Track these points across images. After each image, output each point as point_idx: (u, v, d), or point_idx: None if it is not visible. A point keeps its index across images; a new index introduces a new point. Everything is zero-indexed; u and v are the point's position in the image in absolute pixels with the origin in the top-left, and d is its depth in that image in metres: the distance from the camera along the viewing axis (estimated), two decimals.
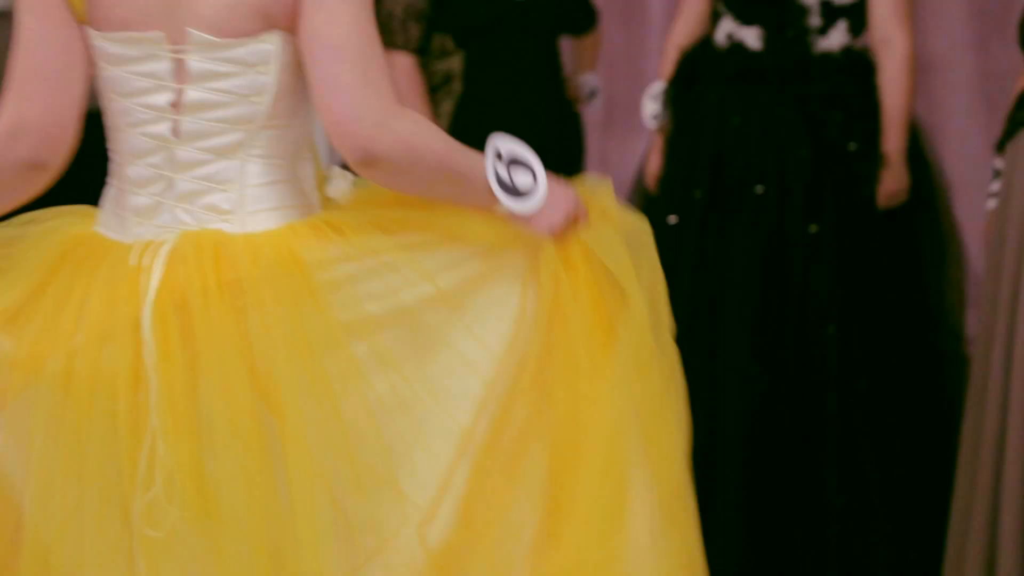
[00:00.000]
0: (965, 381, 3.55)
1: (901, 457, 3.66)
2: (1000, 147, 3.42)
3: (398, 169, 1.99)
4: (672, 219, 3.74)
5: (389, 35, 3.97)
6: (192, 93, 1.99)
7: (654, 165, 3.90)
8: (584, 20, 4.32)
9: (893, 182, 3.69)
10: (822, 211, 3.64)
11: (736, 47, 3.75)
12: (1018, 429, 3.16)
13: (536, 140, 4.00)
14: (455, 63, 4.02)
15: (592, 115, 5.03)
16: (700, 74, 3.81)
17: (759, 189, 3.66)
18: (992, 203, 3.46)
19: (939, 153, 4.00)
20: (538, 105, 4.09)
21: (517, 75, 4.04)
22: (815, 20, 3.70)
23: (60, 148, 2.03)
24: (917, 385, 3.71)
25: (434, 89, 4.01)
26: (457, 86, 4.01)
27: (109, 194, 2.08)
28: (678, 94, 3.83)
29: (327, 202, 2.10)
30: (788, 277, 3.65)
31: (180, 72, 1.99)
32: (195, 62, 1.98)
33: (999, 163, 3.44)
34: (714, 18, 3.83)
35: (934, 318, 3.79)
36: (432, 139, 2.02)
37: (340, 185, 2.12)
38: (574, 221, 2.09)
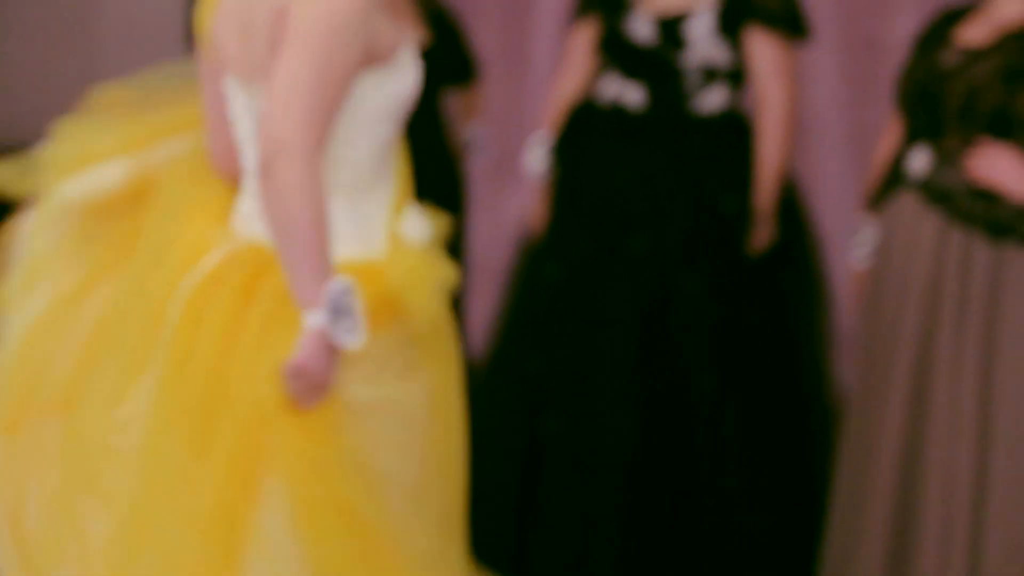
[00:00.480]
0: (832, 424, 3.69)
1: (770, 498, 3.77)
2: (870, 204, 3.50)
3: (266, 200, 2.21)
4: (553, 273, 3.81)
5: None
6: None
7: (538, 217, 3.94)
8: (467, 71, 4.36)
9: (761, 234, 3.78)
10: (699, 268, 3.73)
11: (619, 104, 3.82)
12: (888, 478, 3.26)
13: (420, 190, 4.07)
14: None
15: (480, 166, 5.06)
16: (584, 129, 3.88)
17: (639, 246, 3.73)
18: (860, 263, 3.53)
19: (813, 209, 4.08)
20: (422, 157, 4.11)
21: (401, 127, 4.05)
22: (696, 80, 3.78)
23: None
24: (786, 431, 3.80)
25: None
26: None
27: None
28: (562, 148, 3.90)
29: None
30: (667, 332, 3.73)
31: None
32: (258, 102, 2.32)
33: (868, 222, 3.52)
34: (598, 75, 3.89)
35: (802, 366, 3.87)
36: (299, 203, 2.19)
37: (416, 224, 2.44)
38: (309, 393, 2.20)
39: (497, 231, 5.22)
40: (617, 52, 3.83)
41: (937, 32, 3.46)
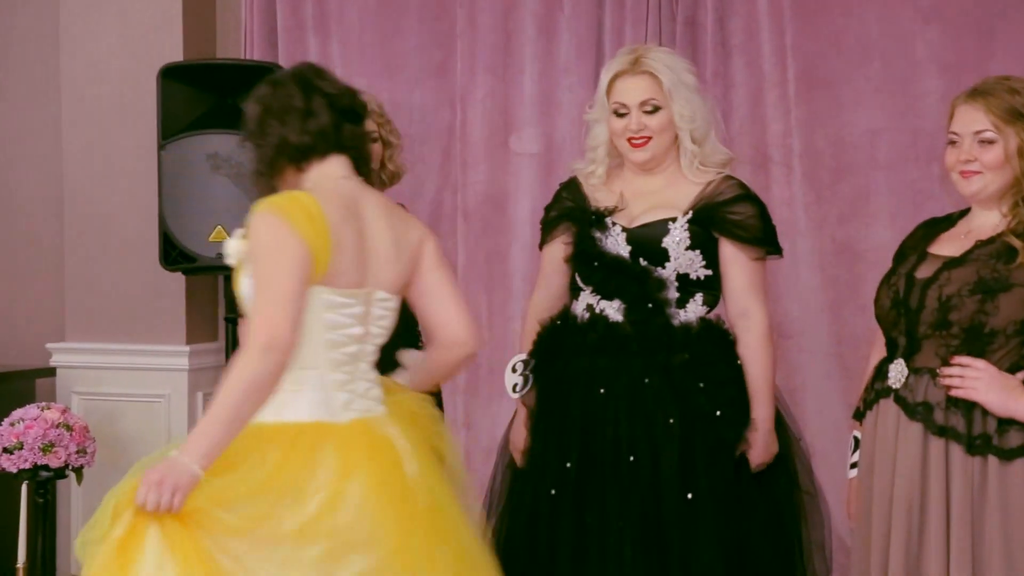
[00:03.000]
0: None
1: None
2: (857, 415, 3.48)
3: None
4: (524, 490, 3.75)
5: None
6: (372, 328, 3.20)
7: (520, 438, 3.89)
8: None
9: (764, 447, 3.73)
10: (696, 477, 3.65)
11: (597, 318, 3.76)
12: None
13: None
14: None
15: (456, 378, 5.03)
16: (562, 346, 3.81)
17: (632, 458, 3.65)
18: (853, 473, 3.49)
19: (798, 416, 4.05)
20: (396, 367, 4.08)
21: None
22: (673, 293, 3.75)
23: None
24: None
25: None
26: None
27: (310, 393, 3.11)
28: (541, 366, 3.84)
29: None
30: (666, 543, 3.64)
31: (367, 315, 3.18)
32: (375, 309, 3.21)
33: (857, 432, 3.49)
34: (573, 290, 3.86)
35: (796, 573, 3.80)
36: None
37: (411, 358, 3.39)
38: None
39: (475, 446, 5.16)
40: (590, 267, 3.79)
41: (913, 243, 3.48)
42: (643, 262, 3.74)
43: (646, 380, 3.69)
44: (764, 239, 3.80)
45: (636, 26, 5.12)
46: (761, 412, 3.74)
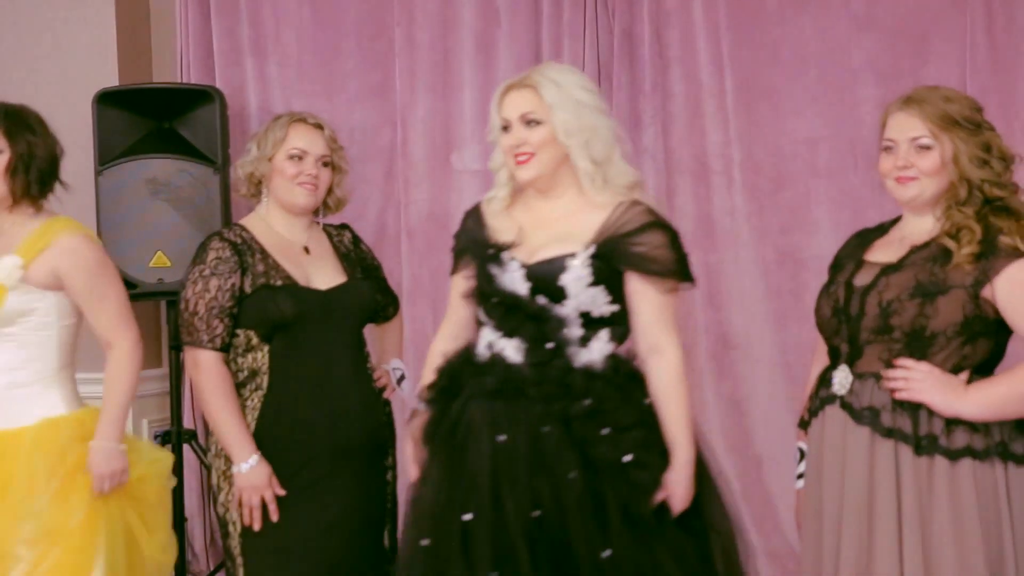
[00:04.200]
0: None
1: None
2: (802, 424, 3.49)
3: None
4: (424, 542, 3.45)
5: (194, 333, 3.94)
6: None
7: (411, 471, 3.63)
8: (386, 308, 4.35)
9: (686, 491, 3.47)
10: (609, 531, 3.39)
11: (496, 359, 3.53)
12: None
13: (345, 429, 3.99)
14: (260, 358, 3.99)
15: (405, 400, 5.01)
16: (461, 386, 3.55)
17: (536, 513, 3.39)
18: (800, 484, 3.50)
19: (747, 426, 4.03)
20: (347, 396, 4.05)
21: (323, 366, 4.01)
22: (575, 331, 3.50)
23: None
24: None
25: (240, 384, 3.96)
26: (263, 380, 3.96)
27: None
28: (438, 405, 3.58)
29: None
30: None
31: None
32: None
33: (802, 443, 3.50)
34: (480, 322, 3.61)
35: None
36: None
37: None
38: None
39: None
40: (489, 303, 3.55)
41: (849, 252, 3.49)
42: (542, 300, 3.49)
43: (544, 429, 3.43)
44: (675, 270, 3.52)
45: (574, 40, 5.13)
46: (680, 455, 3.45)
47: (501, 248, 3.56)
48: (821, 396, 3.40)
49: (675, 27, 5.10)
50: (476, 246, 3.62)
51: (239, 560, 3.96)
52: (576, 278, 3.48)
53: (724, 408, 5.06)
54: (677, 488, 3.44)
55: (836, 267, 3.48)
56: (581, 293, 3.48)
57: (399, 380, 4.34)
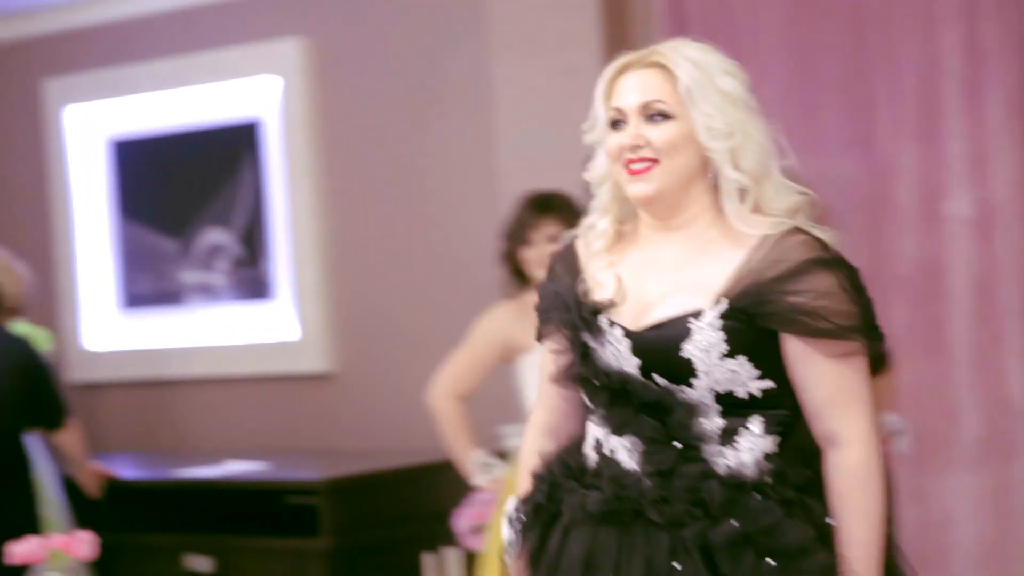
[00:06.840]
0: None
1: None
2: None
3: None
4: None
5: None
6: None
7: None
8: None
9: None
10: None
11: (606, 465, 2.62)
12: None
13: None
14: None
15: (901, 449, 4.96)
16: (559, 503, 2.67)
17: None
18: None
19: None
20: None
21: None
22: (713, 422, 2.57)
23: None
24: None
25: None
26: None
27: None
28: (537, 534, 2.69)
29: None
30: None
31: None
32: None
33: None
34: (587, 408, 2.71)
35: None
36: None
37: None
38: None
39: (926, 517, 5.04)
40: (591, 387, 2.64)
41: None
42: (660, 380, 2.56)
43: (675, 566, 2.50)
44: (851, 326, 2.51)
45: None
46: None
47: (596, 310, 2.60)
48: None
49: None
50: (564, 307, 2.64)
51: None
52: (706, 347, 2.52)
53: None
54: None
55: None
56: (715, 368, 2.52)
57: (893, 433, 4.29)
